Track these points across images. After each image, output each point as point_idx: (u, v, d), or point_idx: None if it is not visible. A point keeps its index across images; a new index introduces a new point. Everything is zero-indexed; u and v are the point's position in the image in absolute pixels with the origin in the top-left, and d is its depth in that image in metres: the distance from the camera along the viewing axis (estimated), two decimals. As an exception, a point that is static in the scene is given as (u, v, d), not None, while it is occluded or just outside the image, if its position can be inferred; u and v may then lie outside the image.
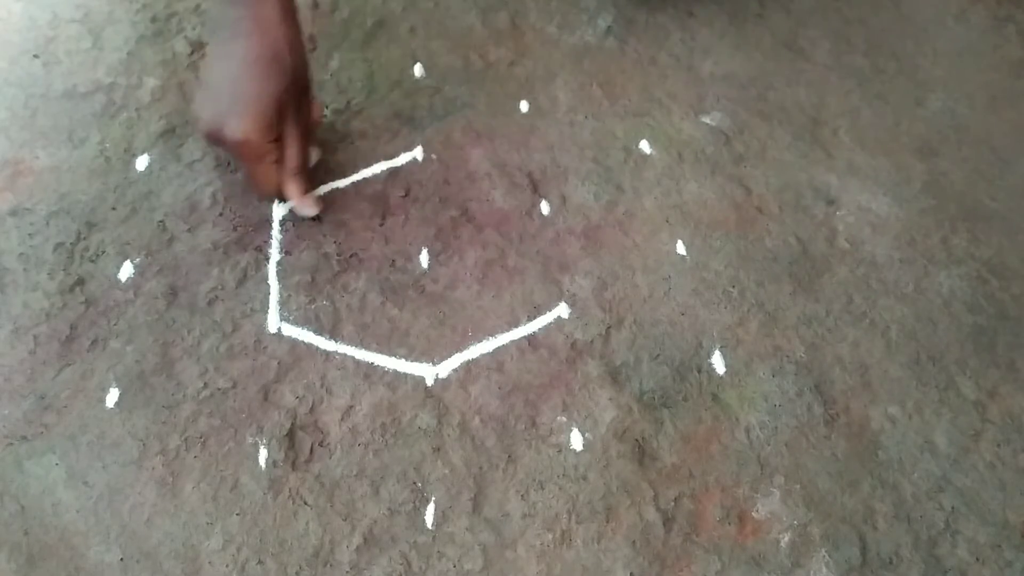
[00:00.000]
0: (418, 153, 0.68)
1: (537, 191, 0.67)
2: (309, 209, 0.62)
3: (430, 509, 0.51)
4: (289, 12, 0.58)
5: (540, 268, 0.63)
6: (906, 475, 0.54)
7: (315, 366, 0.57)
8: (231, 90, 0.56)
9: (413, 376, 0.57)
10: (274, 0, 0.56)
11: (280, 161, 0.60)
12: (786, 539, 0.51)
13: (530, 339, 0.59)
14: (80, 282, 0.60)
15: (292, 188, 0.61)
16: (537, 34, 0.79)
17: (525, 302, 0.61)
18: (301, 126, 0.60)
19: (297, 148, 0.60)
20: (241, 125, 0.56)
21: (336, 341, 0.58)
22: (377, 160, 0.68)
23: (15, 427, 0.53)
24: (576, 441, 0.54)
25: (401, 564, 0.49)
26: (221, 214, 0.64)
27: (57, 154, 0.67)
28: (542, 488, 0.52)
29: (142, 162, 0.67)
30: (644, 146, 0.71)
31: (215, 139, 0.57)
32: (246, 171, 0.60)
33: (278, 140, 0.58)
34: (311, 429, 0.54)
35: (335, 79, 0.73)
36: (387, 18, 0.79)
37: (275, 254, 0.62)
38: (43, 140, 0.67)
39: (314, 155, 0.65)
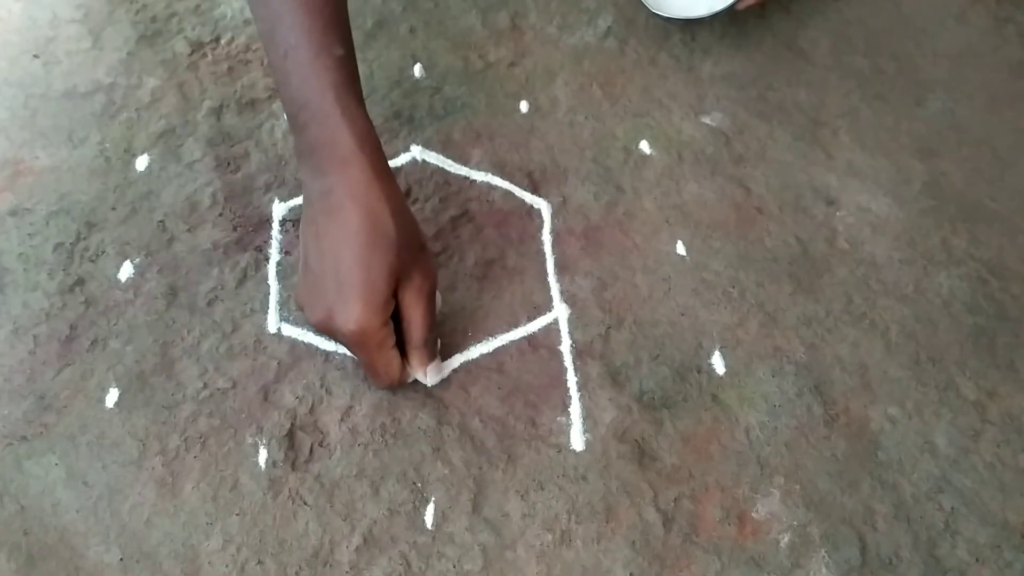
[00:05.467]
0: (418, 153, 0.68)
1: (537, 191, 0.67)
2: (433, 377, 0.55)
3: (430, 509, 0.51)
4: (383, 171, 0.51)
5: (540, 268, 0.63)
6: (906, 475, 0.54)
7: (315, 366, 0.57)
8: (334, 274, 0.49)
9: (413, 376, 0.57)
10: (363, 161, 0.50)
11: (402, 339, 0.52)
12: (786, 539, 0.51)
13: (530, 339, 0.59)
14: (80, 282, 0.60)
15: (415, 360, 0.53)
16: (537, 34, 0.79)
17: (525, 302, 0.61)
18: (423, 291, 0.51)
19: (421, 315, 0.51)
20: (352, 313, 0.48)
21: (336, 341, 0.58)
22: (377, 160, 0.68)
23: (15, 427, 0.53)
24: (576, 441, 0.54)
25: (401, 564, 0.49)
26: (221, 214, 0.64)
27: (57, 154, 0.67)
28: (542, 488, 0.52)
29: (142, 162, 0.67)
30: (644, 146, 0.71)
31: (326, 332, 0.50)
32: (364, 362, 0.52)
33: (394, 319, 0.51)
34: (311, 429, 0.54)
35: (335, 79, 0.73)
36: (387, 18, 0.79)
37: (275, 254, 0.62)
38: (43, 140, 0.67)
39: (438, 301, 0.56)
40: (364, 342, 0.49)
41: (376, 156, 0.51)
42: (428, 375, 0.54)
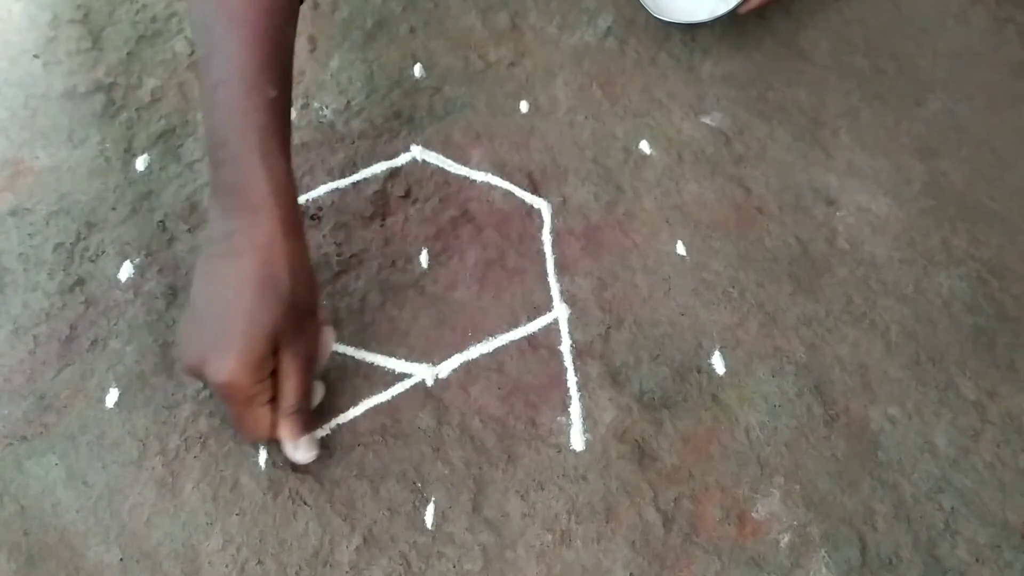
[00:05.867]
0: (418, 153, 0.68)
1: (537, 191, 0.67)
2: (303, 454, 0.51)
3: (430, 509, 0.51)
4: (293, 226, 0.49)
5: (540, 268, 0.63)
6: (906, 475, 0.54)
7: (315, 366, 0.57)
8: (216, 320, 0.46)
9: (413, 376, 0.57)
10: (274, 211, 0.47)
11: (274, 400, 0.49)
12: (786, 539, 0.51)
13: (530, 339, 0.59)
14: (80, 282, 0.60)
15: (285, 429, 0.50)
16: (537, 34, 0.79)
17: (525, 302, 0.61)
18: (302, 357, 0.49)
19: (296, 383, 0.49)
20: (224, 364, 0.45)
21: (336, 342, 0.58)
22: (377, 160, 0.68)
23: (15, 427, 0.53)
24: (576, 441, 0.54)
25: (401, 564, 0.49)
26: (221, 214, 0.64)
27: (57, 154, 0.67)
28: (542, 488, 0.52)
29: (142, 162, 0.67)
30: (644, 146, 0.71)
31: (196, 377, 0.48)
32: (232, 414, 0.49)
33: (274, 376, 0.49)
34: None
35: (335, 79, 0.73)
36: (387, 18, 0.79)
37: (275, 254, 0.62)
38: (43, 140, 0.67)
39: (318, 392, 0.54)
40: (232, 396, 0.47)
41: (288, 209, 0.48)
42: (298, 450, 0.50)
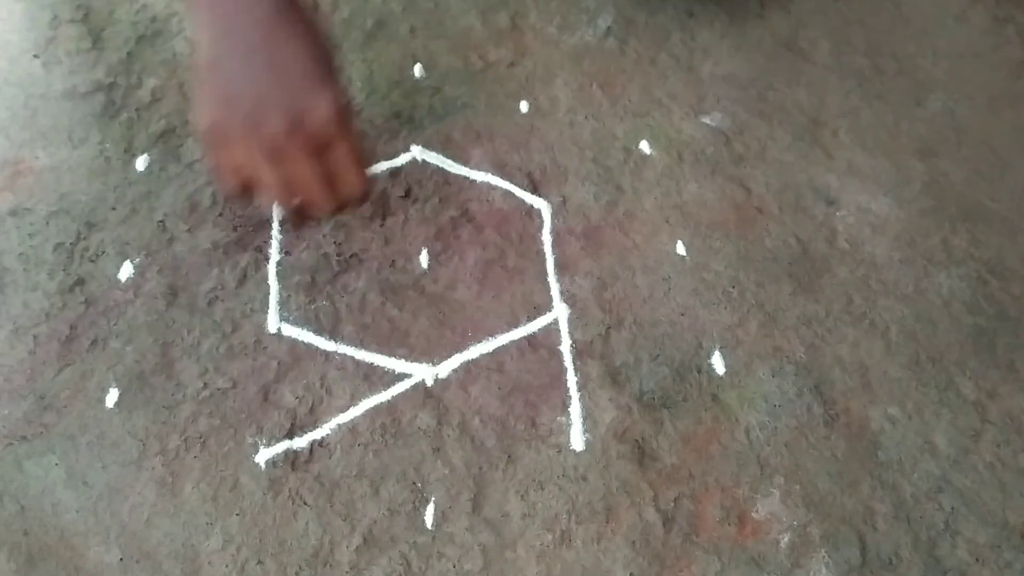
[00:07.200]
0: (418, 153, 0.68)
1: (537, 191, 0.67)
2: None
3: (430, 509, 0.51)
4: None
5: (540, 268, 0.63)
6: (906, 475, 0.54)
7: (315, 366, 0.57)
8: (300, 68, 0.48)
9: (413, 376, 0.57)
10: None
11: None
12: (786, 539, 0.51)
13: (530, 339, 0.59)
14: (80, 282, 0.60)
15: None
16: (537, 34, 0.79)
17: (525, 302, 0.61)
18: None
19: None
20: (330, 94, 0.48)
21: (336, 341, 0.58)
22: (377, 160, 0.68)
23: (15, 427, 0.53)
24: (576, 441, 0.54)
25: (401, 564, 0.49)
26: (221, 214, 0.64)
27: (57, 154, 0.67)
28: (542, 488, 0.52)
29: (142, 162, 0.67)
30: (644, 146, 0.71)
31: (295, 125, 0.47)
32: (345, 149, 0.49)
33: None
34: (311, 429, 0.54)
35: (335, 79, 0.73)
36: (387, 18, 0.79)
37: (275, 254, 0.62)
38: (43, 140, 0.67)
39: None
40: (346, 118, 0.49)
41: None
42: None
